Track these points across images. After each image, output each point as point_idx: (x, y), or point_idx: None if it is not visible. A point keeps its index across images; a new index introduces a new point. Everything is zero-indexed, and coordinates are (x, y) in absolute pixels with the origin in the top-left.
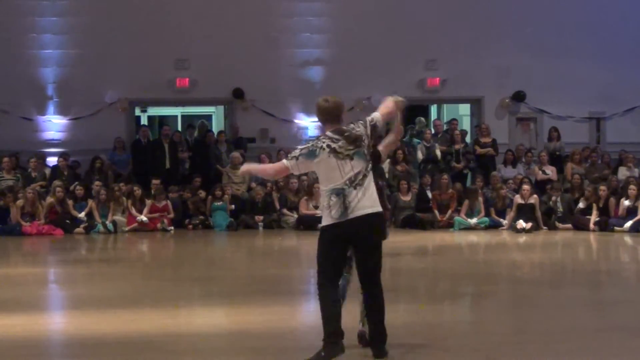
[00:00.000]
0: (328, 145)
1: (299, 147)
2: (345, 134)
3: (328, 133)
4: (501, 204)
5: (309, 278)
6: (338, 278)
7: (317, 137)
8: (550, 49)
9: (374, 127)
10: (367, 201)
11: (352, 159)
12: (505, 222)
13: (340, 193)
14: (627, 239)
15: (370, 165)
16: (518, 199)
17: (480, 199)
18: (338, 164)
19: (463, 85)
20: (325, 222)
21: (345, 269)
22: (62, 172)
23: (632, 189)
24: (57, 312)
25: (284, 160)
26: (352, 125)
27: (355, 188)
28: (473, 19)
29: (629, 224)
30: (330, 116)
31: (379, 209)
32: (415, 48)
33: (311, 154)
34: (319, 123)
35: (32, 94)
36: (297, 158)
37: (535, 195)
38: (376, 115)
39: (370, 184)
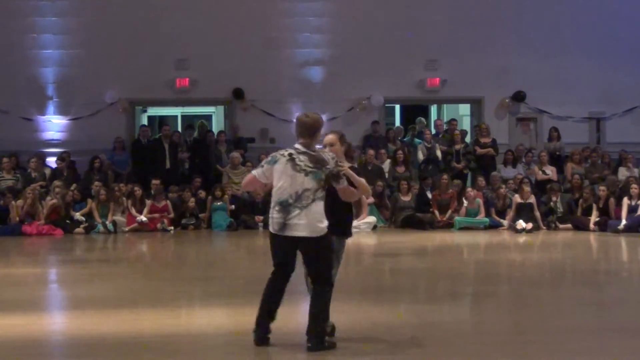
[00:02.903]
0: (290, 154)
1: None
2: (312, 151)
3: (296, 145)
4: (501, 204)
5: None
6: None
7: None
8: (550, 49)
9: (333, 175)
10: (305, 224)
11: (307, 175)
12: (505, 222)
13: (285, 205)
14: (627, 239)
15: (321, 192)
16: (517, 199)
17: (480, 200)
18: (291, 174)
19: (463, 85)
20: (269, 227)
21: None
22: (62, 173)
23: (634, 188)
24: (57, 312)
25: (252, 171)
26: (324, 150)
27: (304, 207)
28: (473, 19)
29: (625, 222)
30: (306, 131)
31: (318, 234)
32: (415, 48)
33: (272, 161)
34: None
35: (32, 94)
36: (262, 166)
37: (532, 195)
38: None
39: (315, 208)
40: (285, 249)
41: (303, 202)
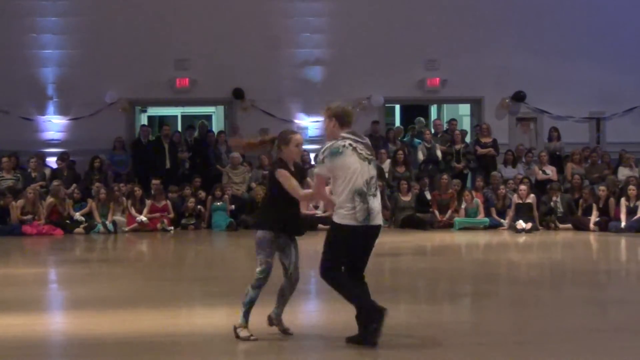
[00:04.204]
0: (350, 144)
1: (319, 153)
2: (364, 139)
3: (344, 134)
4: (501, 204)
5: (309, 278)
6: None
7: (331, 142)
8: (550, 49)
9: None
10: (379, 211)
11: (369, 163)
12: (505, 222)
13: (363, 194)
14: (627, 239)
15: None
16: (516, 199)
17: (479, 200)
18: (360, 162)
19: (463, 85)
20: (346, 221)
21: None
22: (62, 173)
23: (631, 189)
24: (57, 312)
25: (315, 171)
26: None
27: (374, 195)
28: (473, 19)
29: (625, 224)
30: (351, 121)
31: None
32: (415, 48)
33: (334, 153)
34: (333, 123)
35: (32, 94)
36: (322, 162)
37: (532, 195)
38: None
39: (379, 195)
40: (367, 239)
41: (372, 190)
